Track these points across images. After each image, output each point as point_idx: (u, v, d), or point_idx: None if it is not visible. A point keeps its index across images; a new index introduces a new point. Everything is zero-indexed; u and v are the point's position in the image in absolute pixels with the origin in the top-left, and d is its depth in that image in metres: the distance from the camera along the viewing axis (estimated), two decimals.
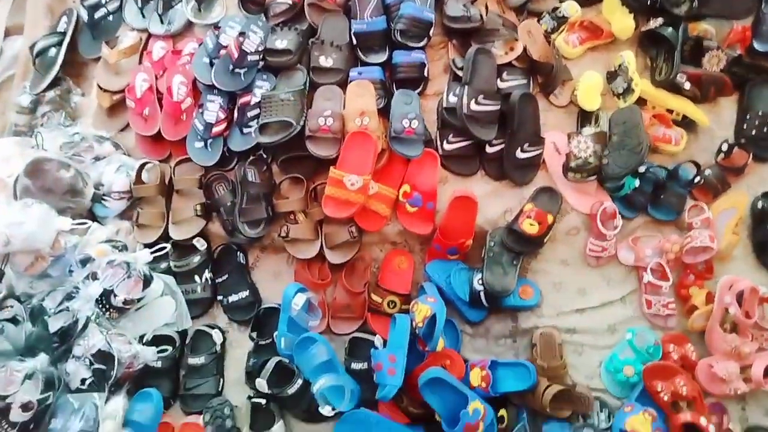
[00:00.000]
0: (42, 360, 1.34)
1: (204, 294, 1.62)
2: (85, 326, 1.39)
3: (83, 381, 1.37)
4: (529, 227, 1.48)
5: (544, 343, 1.47)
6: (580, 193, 1.61)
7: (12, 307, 1.46)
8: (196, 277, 1.62)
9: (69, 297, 1.41)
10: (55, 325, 1.37)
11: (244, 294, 1.60)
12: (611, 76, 1.73)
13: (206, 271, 1.63)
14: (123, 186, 1.67)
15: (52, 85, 1.84)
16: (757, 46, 1.73)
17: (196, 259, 1.62)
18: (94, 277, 1.47)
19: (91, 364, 1.37)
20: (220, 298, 1.62)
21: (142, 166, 1.67)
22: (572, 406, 1.39)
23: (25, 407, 1.29)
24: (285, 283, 1.63)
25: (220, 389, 1.53)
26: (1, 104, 1.97)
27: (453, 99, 1.62)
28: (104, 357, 1.38)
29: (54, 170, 1.60)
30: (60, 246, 1.53)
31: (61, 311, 1.39)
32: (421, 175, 1.60)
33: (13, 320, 1.44)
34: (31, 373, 1.32)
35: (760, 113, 1.69)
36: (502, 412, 1.41)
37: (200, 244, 1.63)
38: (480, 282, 1.48)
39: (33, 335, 1.39)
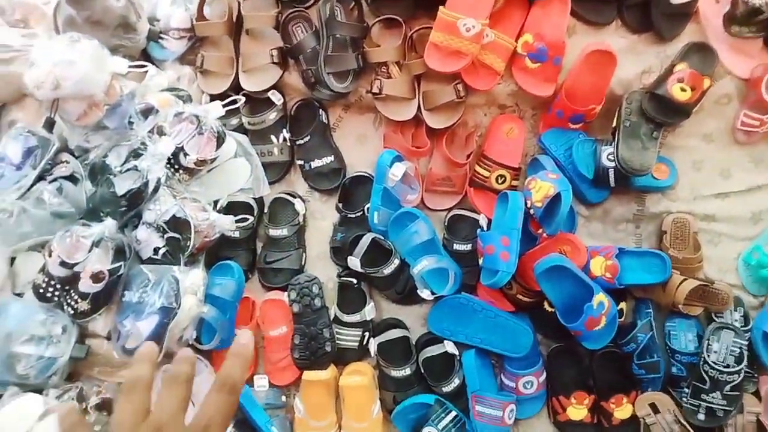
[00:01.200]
0: (109, 225, 1.19)
1: (281, 157, 1.41)
2: (156, 188, 1.21)
3: (156, 250, 1.23)
4: (680, 93, 1.22)
5: (677, 230, 1.28)
6: (740, 52, 1.31)
7: (68, 162, 1.28)
8: (273, 137, 1.40)
9: (136, 154, 1.21)
10: (122, 186, 1.19)
11: (329, 159, 1.39)
12: None
13: (283, 130, 1.41)
14: (183, 22, 1.40)
15: None
16: None
17: (273, 115, 1.39)
18: (160, 131, 1.27)
19: (165, 231, 1.22)
20: (300, 162, 1.41)
21: None
22: (706, 303, 1.24)
23: (95, 277, 1.17)
24: (370, 148, 1.43)
25: (303, 264, 1.39)
26: None
27: None
28: (179, 224, 1.22)
29: None
30: (116, 92, 1.31)
31: (128, 170, 1.20)
32: (546, 21, 1.30)
33: (71, 178, 1.27)
34: (99, 239, 1.18)
35: None
36: (622, 305, 1.27)
37: (276, 98, 1.39)
38: (611, 157, 1.26)
39: (97, 196, 1.23)
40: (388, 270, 1.26)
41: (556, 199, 1.20)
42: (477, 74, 1.30)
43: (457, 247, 1.31)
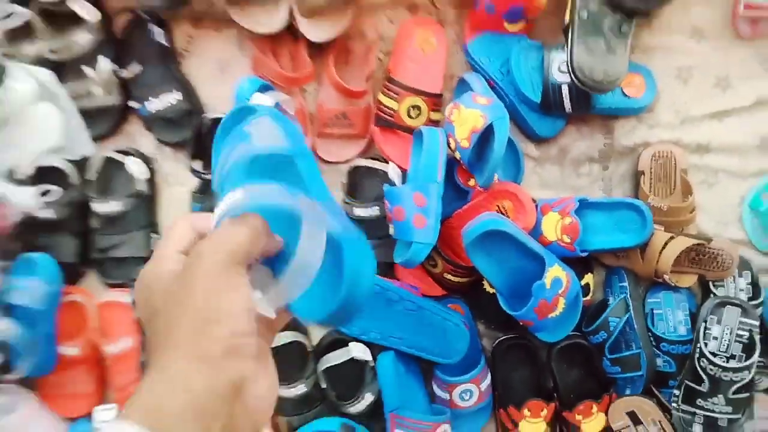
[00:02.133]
0: None
1: (109, 99, 0.99)
2: None
3: None
4: None
5: (659, 169, 0.92)
6: None
7: None
8: (89, 70, 0.98)
9: None
10: None
11: (174, 98, 0.98)
12: None
13: (106, 59, 0.99)
14: None
15: None
16: None
17: (84, 37, 0.97)
18: None
19: None
20: (133, 104, 1.00)
21: None
22: (701, 269, 0.90)
23: None
24: (236, 78, 1.01)
25: (152, 248, 1.00)
26: None
27: None
28: None
29: None
30: None
31: None
32: None
33: None
34: None
35: None
36: (587, 278, 0.92)
37: (86, 10, 0.96)
38: (564, 68, 0.88)
39: None
40: None
41: (488, 133, 0.83)
42: None
43: (359, 212, 0.94)
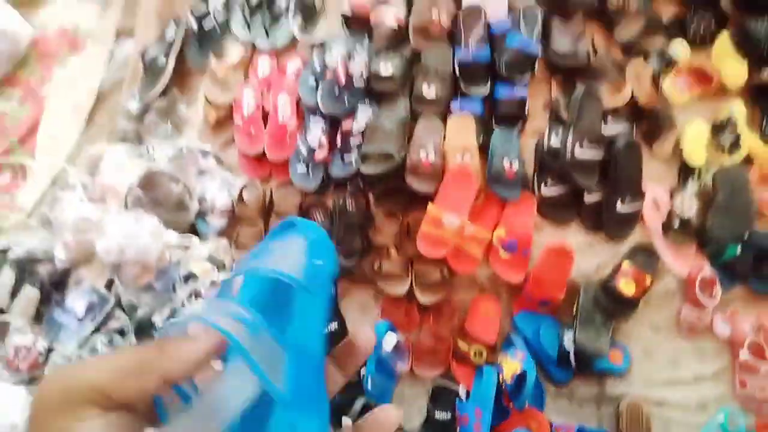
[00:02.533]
0: None
1: None
2: None
3: None
4: (626, 287, 1.46)
5: (631, 413, 1.46)
6: (679, 254, 1.56)
7: (119, 318, 1.56)
8: None
9: (175, 314, 1.49)
10: None
11: (334, 325, 1.64)
12: (718, 128, 1.64)
13: None
14: (225, 204, 1.72)
15: (161, 94, 1.90)
16: None
17: None
18: (197, 295, 1.55)
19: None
20: None
21: (244, 186, 1.72)
22: None
23: None
24: (371, 316, 1.67)
25: None
26: (110, 109, 2.05)
27: (555, 141, 1.59)
28: None
29: (166, 183, 1.68)
30: (165, 259, 1.61)
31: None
32: (517, 219, 1.58)
33: (120, 331, 1.54)
34: None
35: None
36: None
37: None
38: (571, 341, 1.47)
39: None
40: None
41: (523, 377, 1.40)
42: (460, 260, 1.56)
43: (438, 415, 1.50)
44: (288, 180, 1.72)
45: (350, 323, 1.66)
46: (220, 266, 1.67)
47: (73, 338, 1.49)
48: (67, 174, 1.77)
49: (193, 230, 1.73)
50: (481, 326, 1.58)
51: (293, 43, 1.90)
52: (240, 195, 1.72)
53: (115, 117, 1.98)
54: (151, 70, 1.93)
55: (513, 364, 1.42)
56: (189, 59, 1.97)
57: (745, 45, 1.64)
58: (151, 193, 1.68)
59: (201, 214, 1.73)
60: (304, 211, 1.71)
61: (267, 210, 1.73)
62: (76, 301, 1.54)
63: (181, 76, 1.97)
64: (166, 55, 1.92)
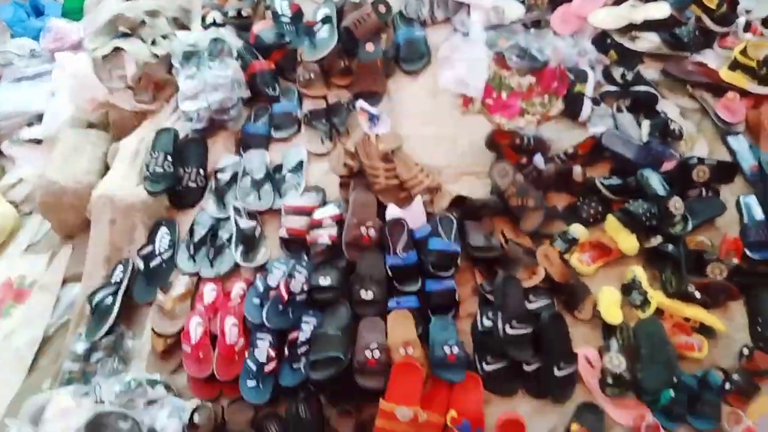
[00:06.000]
0: None
1: None
2: None
3: None
4: None
5: None
6: (621, 406, 1.66)
7: None
8: None
9: None
10: None
11: None
12: (626, 289, 1.88)
13: None
14: (176, 430, 1.70)
15: (108, 332, 1.96)
16: (750, 254, 1.91)
17: None
18: None
19: None
20: None
21: (195, 409, 1.72)
22: None
23: None
24: None
25: None
26: (53, 352, 2.06)
27: (487, 323, 1.76)
28: None
29: (113, 423, 1.65)
30: None
31: None
32: (465, 398, 1.66)
33: None
34: None
35: None
36: None
37: None
38: None
39: None
40: None
41: None
42: None
43: None
44: (238, 396, 1.74)
45: None
46: None
47: None
48: (10, 427, 1.70)
49: None
50: None
51: (236, 268, 2.07)
52: (191, 419, 1.71)
53: (58, 359, 1.99)
54: (99, 312, 2.00)
55: None
56: (136, 295, 2.07)
57: (631, 222, 1.92)
58: None
59: None
60: (258, 426, 1.71)
61: (219, 430, 1.71)
62: None
63: (128, 310, 2.05)
64: (114, 295, 2.02)
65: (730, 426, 1.64)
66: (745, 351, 1.77)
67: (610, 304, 1.83)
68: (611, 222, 1.96)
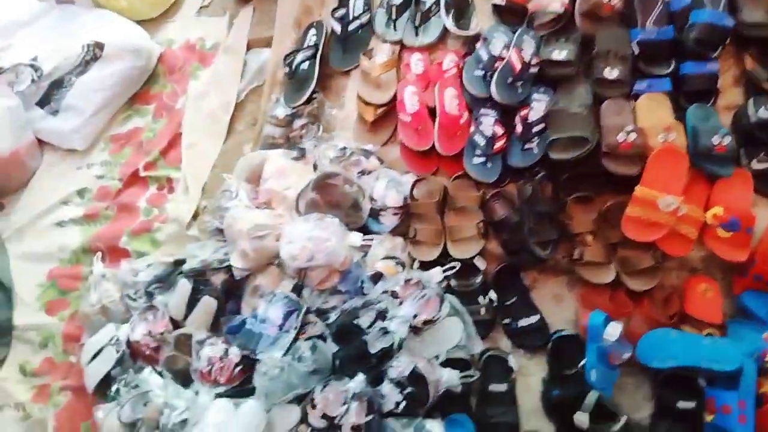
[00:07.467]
0: (360, 381, 1.31)
1: (486, 316, 1.55)
2: (400, 347, 1.36)
3: (397, 404, 1.33)
4: None
5: None
6: None
7: (315, 323, 1.45)
8: (480, 298, 1.56)
9: (382, 317, 1.38)
10: (375, 345, 1.34)
11: (535, 319, 1.52)
12: None
13: (490, 291, 1.56)
14: (396, 202, 1.62)
15: (308, 99, 1.84)
16: None
17: (479, 279, 1.56)
18: (394, 295, 1.45)
19: (404, 387, 1.33)
20: (506, 321, 1.54)
21: (417, 182, 1.64)
22: None
23: (355, 430, 1.27)
24: (566, 307, 1.56)
25: (518, 419, 1.46)
26: (248, 116, 2.00)
27: (764, 113, 1.49)
28: (416, 380, 1.34)
29: (340, 185, 1.60)
30: (348, 261, 1.52)
31: (378, 330, 1.36)
32: (732, 196, 1.46)
33: (320, 337, 1.43)
34: (354, 394, 1.30)
35: None
36: None
37: (481, 263, 1.57)
38: None
39: (345, 354, 1.37)
40: (616, 428, 1.32)
41: None
42: (673, 242, 1.45)
43: (680, 405, 1.36)
44: (464, 173, 1.63)
45: (547, 316, 1.55)
46: (402, 264, 1.57)
47: (274, 347, 1.38)
48: (228, 183, 1.69)
49: (366, 230, 1.64)
50: (703, 308, 1.45)
51: (441, 39, 1.84)
52: (411, 191, 1.63)
53: (252, 125, 1.92)
54: (297, 77, 1.87)
55: None
56: (332, 62, 1.92)
57: None
58: (327, 196, 1.60)
59: (374, 214, 1.64)
60: (485, 204, 1.61)
61: (440, 206, 1.64)
62: (270, 310, 1.44)
63: (324, 79, 1.91)
64: (311, 59, 1.87)
65: None
66: None
67: None
68: None
